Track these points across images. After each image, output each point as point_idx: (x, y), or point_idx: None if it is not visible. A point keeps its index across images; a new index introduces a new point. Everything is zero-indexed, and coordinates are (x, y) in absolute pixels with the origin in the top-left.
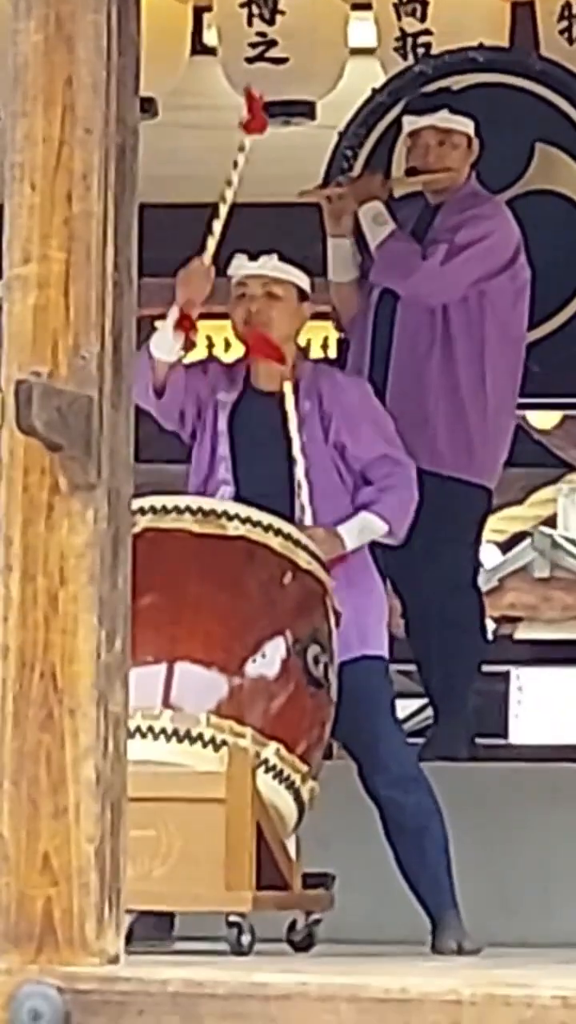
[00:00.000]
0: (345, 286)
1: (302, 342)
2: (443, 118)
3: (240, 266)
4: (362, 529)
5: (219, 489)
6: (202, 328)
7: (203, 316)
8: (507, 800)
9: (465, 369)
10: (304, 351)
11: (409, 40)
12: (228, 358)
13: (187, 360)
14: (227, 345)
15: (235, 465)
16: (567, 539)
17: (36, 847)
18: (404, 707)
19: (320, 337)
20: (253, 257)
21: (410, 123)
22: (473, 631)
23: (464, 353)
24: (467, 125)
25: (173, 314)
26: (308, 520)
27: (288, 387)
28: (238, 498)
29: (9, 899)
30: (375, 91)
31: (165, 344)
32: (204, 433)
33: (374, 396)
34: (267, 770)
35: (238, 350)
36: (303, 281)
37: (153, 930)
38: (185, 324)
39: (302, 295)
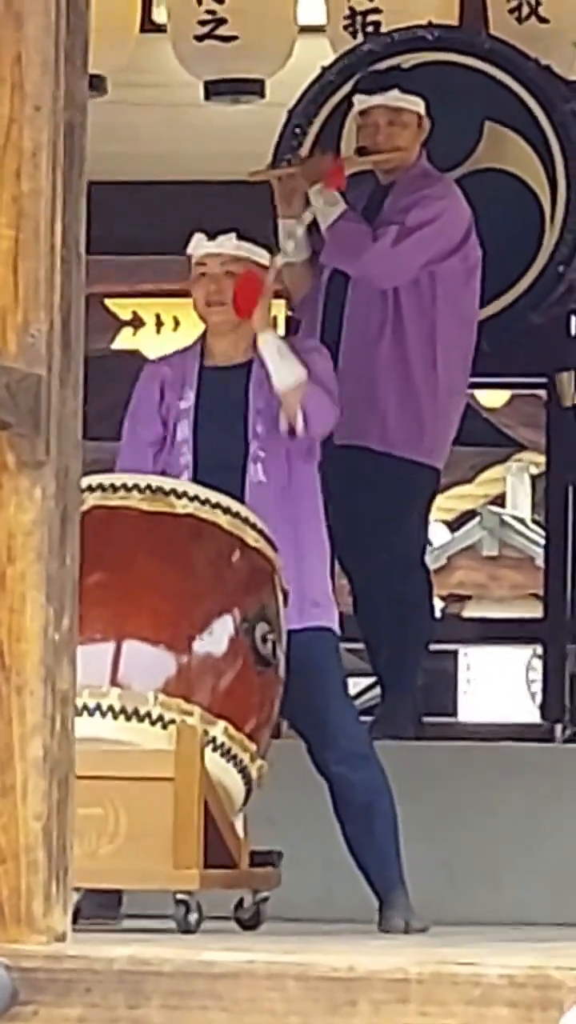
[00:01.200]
0: (297, 266)
1: None
2: (393, 97)
3: (199, 245)
4: (281, 348)
5: (179, 460)
6: (151, 306)
7: (149, 295)
8: (455, 778)
9: (416, 350)
10: None
11: (359, 18)
12: (177, 336)
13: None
14: (176, 323)
15: (195, 436)
16: (515, 518)
17: None
18: (352, 685)
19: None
20: (212, 236)
21: (360, 102)
22: (421, 609)
23: (415, 334)
24: (417, 104)
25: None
26: (260, 476)
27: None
28: (195, 468)
29: None
30: (324, 69)
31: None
32: (168, 439)
33: (328, 359)
34: (215, 748)
35: (189, 329)
36: (263, 258)
37: (100, 908)
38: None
39: (263, 269)
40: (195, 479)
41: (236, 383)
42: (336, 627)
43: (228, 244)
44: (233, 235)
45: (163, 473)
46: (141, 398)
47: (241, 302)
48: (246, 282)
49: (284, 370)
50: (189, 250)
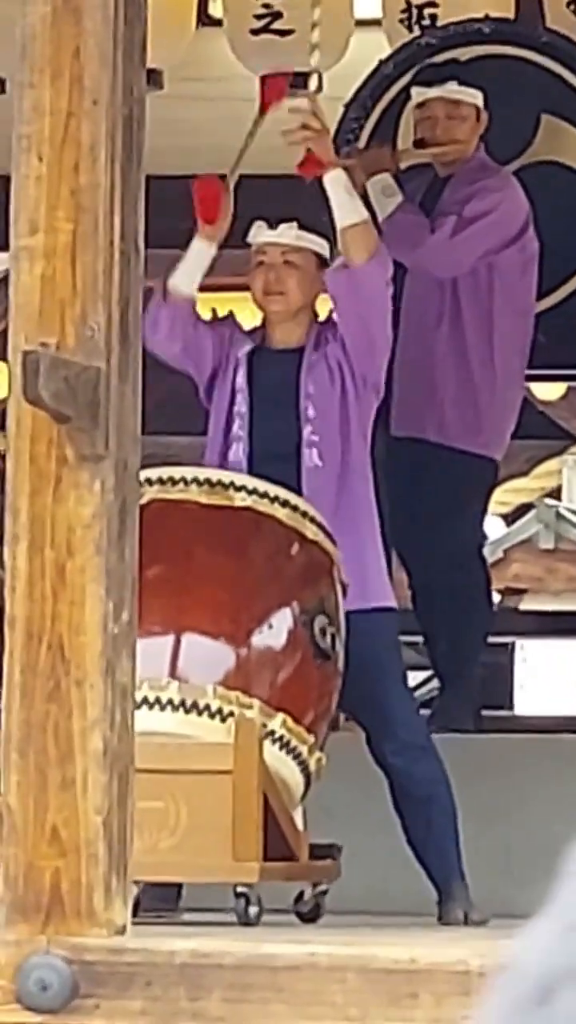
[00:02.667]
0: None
1: None
2: (452, 90)
3: (259, 233)
4: (348, 187)
5: (232, 447)
6: (207, 300)
7: (206, 288)
8: (512, 771)
9: (473, 341)
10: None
11: (415, 11)
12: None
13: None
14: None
15: (251, 424)
16: (572, 511)
17: (44, 818)
18: (411, 678)
19: (327, 308)
20: (273, 225)
21: (419, 94)
22: (479, 602)
23: (472, 325)
24: (476, 97)
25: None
26: (315, 461)
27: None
28: (251, 457)
29: (17, 870)
30: (381, 63)
31: (193, 262)
32: (223, 389)
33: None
34: (274, 741)
35: (245, 322)
36: (323, 248)
37: (160, 901)
38: (210, 221)
39: (321, 262)
40: (250, 464)
41: (288, 367)
42: (391, 602)
43: (289, 234)
44: (295, 224)
45: (223, 442)
46: (215, 320)
47: (310, 169)
48: (310, 159)
49: (350, 207)
50: (249, 238)
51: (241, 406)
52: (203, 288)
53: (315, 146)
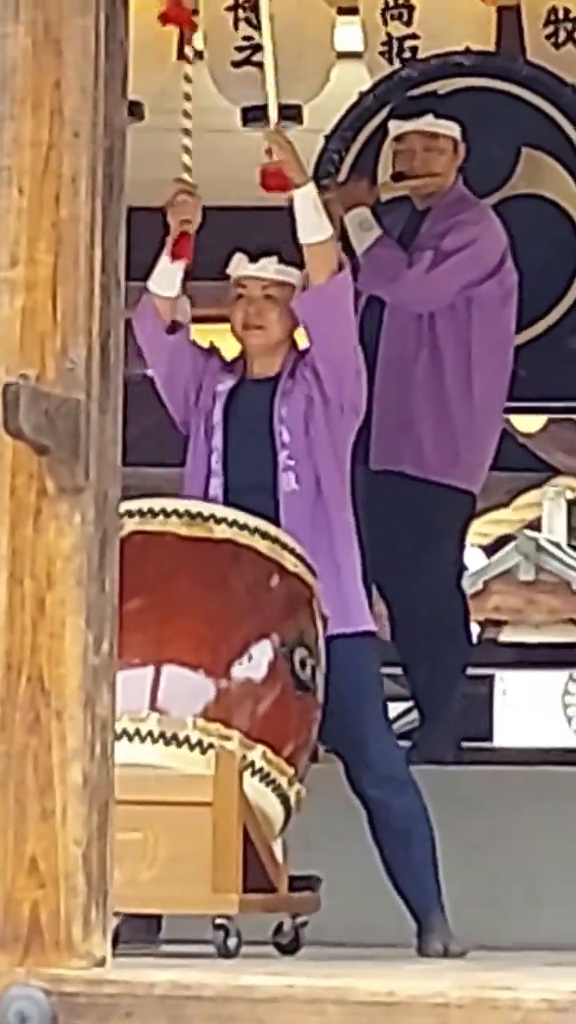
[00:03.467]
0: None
1: None
2: (429, 123)
3: (240, 266)
4: (317, 204)
5: (211, 482)
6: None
7: (195, 320)
8: (492, 802)
9: (452, 374)
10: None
11: (395, 44)
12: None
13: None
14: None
15: (225, 456)
16: (552, 542)
17: (24, 850)
18: (391, 710)
19: (305, 339)
20: (253, 258)
21: (396, 127)
22: (458, 634)
23: (451, 358)
24: (453, 130)
25: (168, 243)
26: (292, 485)
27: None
28: (227, 489)
29: None
30: (361, 95)
31: (165, 278)
32: (199, 424)
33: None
34: (254, 773)
35: (226, 354)
36: (304, 285)
37: (139, 932)
38: (183, 247)
39: None
40: (226, 497)
41: (263, 395)
42: (370, 627)
43: (270, 268)
44: (275, 258)
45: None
46: (199, 348)
47: (273, 184)
48: (273, 173)
49: (313, 224)
50: (229, 270)
51: (217, 440)
52: None
53: (280, 158)
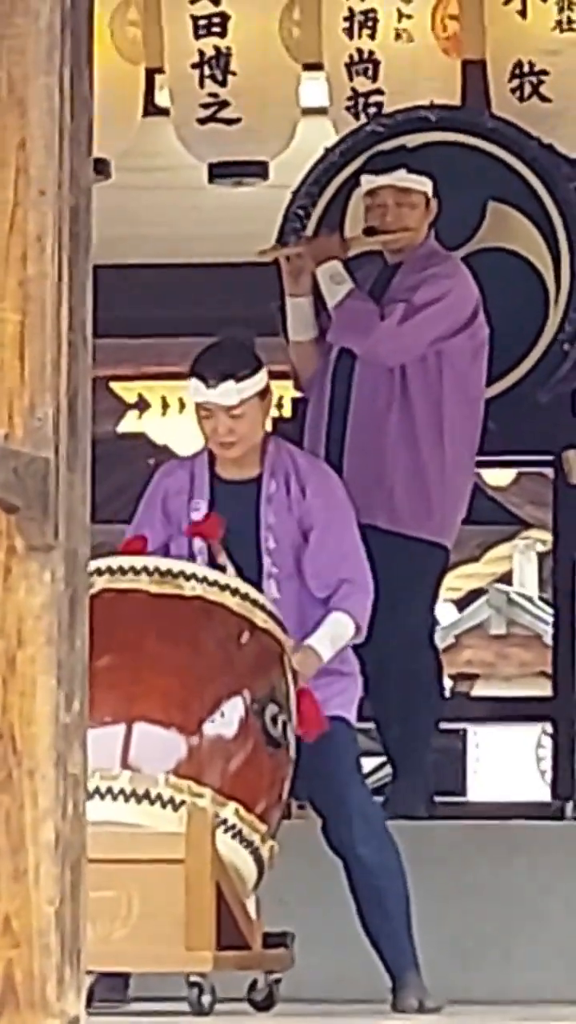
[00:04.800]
0: (304, 345)
1: None
2: (402, 177)
3: (198, 392)
4: (334, 636)
5: None
6: (156, 389)
7: (154, 377)
8: (465, 857)
9: (423, 428)
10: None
11: (361, 100)
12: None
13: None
14: (181, 405)
15: (211, 558)
16: (523, 596)
17: None
18: (364, 764)
19: (277, 396)
20: (205, 379)
21: (368, 182)
22: (430, 689)
23: (422, 412)
24: (425, 184)
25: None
26: (274, 594)
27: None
28: None
29: None
30: (327, 150)
31: None
32: (181, 550)
33: (336, 482)
34: (226, 830)
35: (176, 411)
36: (263, 382)
37: (109, 991)
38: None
39: (264, 393)
40: None
41: (246, 499)
42: (353, 718)
43: (230, 395)
44: (231, 381)
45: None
46: (146, 506)
47: (309, 725)
48: (307, 709)
49: (339, 643)
50: (189, 394)
51: (201, 543)
52: (154, 376)
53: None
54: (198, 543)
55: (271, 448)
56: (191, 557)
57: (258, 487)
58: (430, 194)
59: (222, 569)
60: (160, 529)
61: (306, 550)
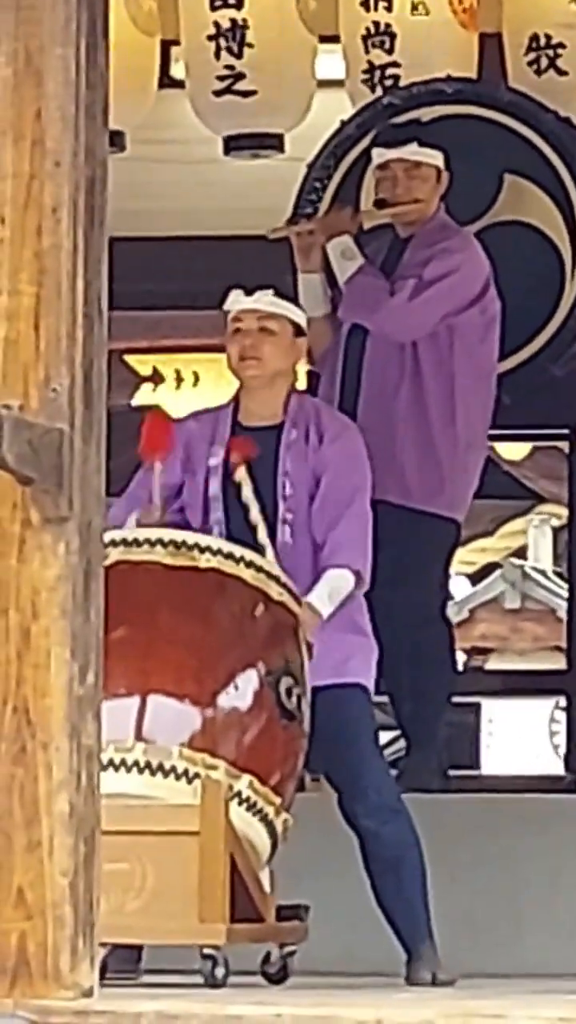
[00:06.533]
0: (316, 320)
1: None
2: (412, 151)
3: (236, 301)
4: (332, 590)
5: (212, 530)
6: (170, 362)
7: (168, 350)
8: (479, 830)
9: (434, 403)
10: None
11: (377, 72)
12: (197, 392)
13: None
14: (196, 378)
15: (226, 503)
16: (537, 570)
17: (10, 881)
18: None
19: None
20: (249, 292)
21: (379, 155)
22: (443, 663)
23: (433, 387)
24: (436, 157)
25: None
26: (287, 538)
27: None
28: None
29: None
30: (343, 123)
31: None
32: (196, 499)
33: (357, 436)
34: (240, 802)
35: (209, 384)
36: (299, 316)
37: (121, 962)
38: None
39: (297, 330)
40: (228, 534)
41: (266, 444)
42: (370, 684)
43: (264, 300)
44: (270, 292)
45: (189, 527)
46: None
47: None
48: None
49: (337, 598)
50: (226, 306)
51: (218, 513)
52: (169, 349)
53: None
54: (213, 487)
55: (295, 399)
56: (205, 501)
57: (279, 434)
58: (441, 167)
59: (244, 509)
60: (178, 469)
61: (320, 488)
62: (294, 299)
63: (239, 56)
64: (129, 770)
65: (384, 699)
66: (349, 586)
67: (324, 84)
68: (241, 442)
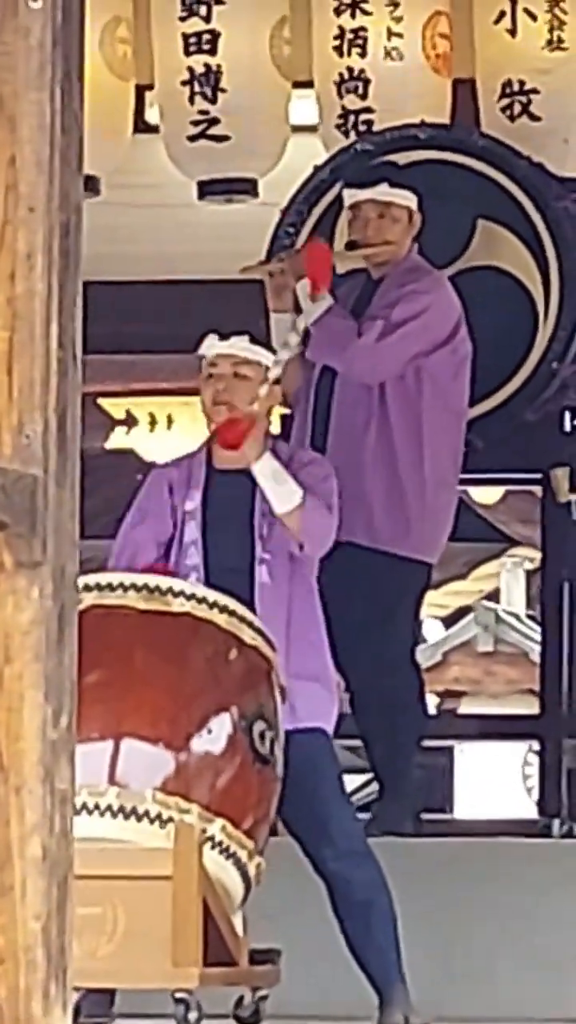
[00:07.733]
0: (289, 361)
1: None
2: (383, 191)
3: (211, 345)
4: (278, 474)
5: (190, 576)
6: (144, 405)
7: (142, 393)
8: (452, 874)
9: (402, 444)
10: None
11: (351, 117)
12: (171, 435)
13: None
14: (169, 421)
15: (205, 547)
16: (510, 613)
17: None
18: (350, 782)
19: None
20: (224, 337)
21: (350, 196)
22: (412, 708)
23: (401, 428)
24: (407, 198)
25: None
26: (265, 578)
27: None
28: (207, 572)
29: None
30: (317, 168)
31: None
32: (175, 542)
33: (330, 471)
34: (213, 846)
35: (183, 427)
36: (275, 370)
37: (94, 1007)
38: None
39: (273, 382)
40: (207, 580)
41: (243, 486)
42: (329, 727)
43: (239, 345)
44: (245, 337)
45: (171, 573)
46: (151, 495)
47: (230, 436)
48: (230, 422)
49: (282, 495)
50: (201, 350)
51: (195, 558)
52: (143, 392)
53: (250, 436)
54: (189, 533)
55: (270, 444)
56: (181, 547)
57: (248, 475)
58: (413, 208)
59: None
60: (168, 518)
61: None
62: (268, 343)
63: (213, 101)
64: (102, 814)
65: (357, 742)
66: (294, 497)
67: (298, 129)
68: (226, 427)
